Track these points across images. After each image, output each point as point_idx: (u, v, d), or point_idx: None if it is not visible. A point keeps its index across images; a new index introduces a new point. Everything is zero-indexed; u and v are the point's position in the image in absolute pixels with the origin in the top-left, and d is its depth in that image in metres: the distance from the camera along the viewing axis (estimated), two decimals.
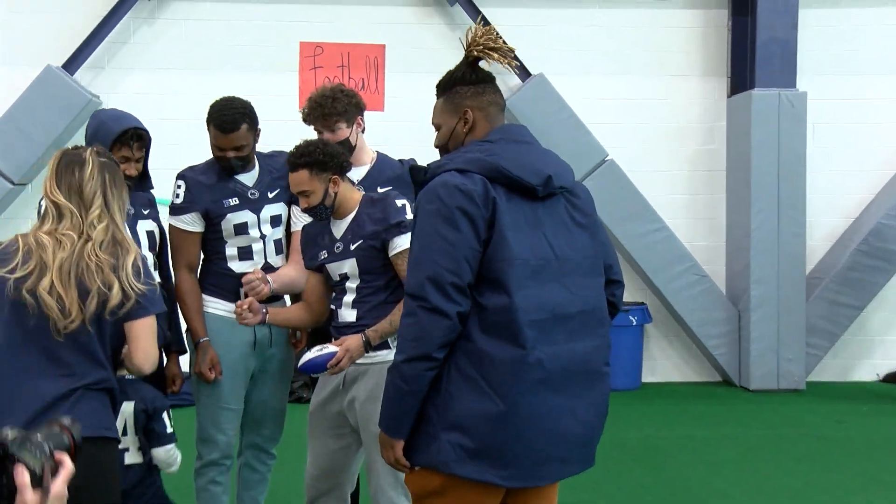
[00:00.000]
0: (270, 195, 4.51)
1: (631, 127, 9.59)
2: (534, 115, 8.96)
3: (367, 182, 4.43)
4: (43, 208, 3.83)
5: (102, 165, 3.29)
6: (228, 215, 4.43)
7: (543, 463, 3.01)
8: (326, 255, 4.05)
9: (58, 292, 3.13)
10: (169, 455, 3.97)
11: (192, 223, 4.45)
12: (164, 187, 5.18)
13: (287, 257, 4.56)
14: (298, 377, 7.68)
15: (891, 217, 9.29)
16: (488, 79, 3.25)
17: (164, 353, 4.22)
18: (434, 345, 2.91)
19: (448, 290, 2.89)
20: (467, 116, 3.18)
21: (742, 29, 9.44)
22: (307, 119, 4.42)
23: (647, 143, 9.63)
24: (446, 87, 3.23)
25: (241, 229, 4.45)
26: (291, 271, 4.40)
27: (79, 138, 5.69)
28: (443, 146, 3.25)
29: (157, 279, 4.00)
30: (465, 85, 3.20)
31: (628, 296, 9.52)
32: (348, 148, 4.35)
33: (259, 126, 4.47)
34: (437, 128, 3.27)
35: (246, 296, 4.24)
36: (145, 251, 4.12)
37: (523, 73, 9.26)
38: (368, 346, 3.91)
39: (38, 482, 1.70)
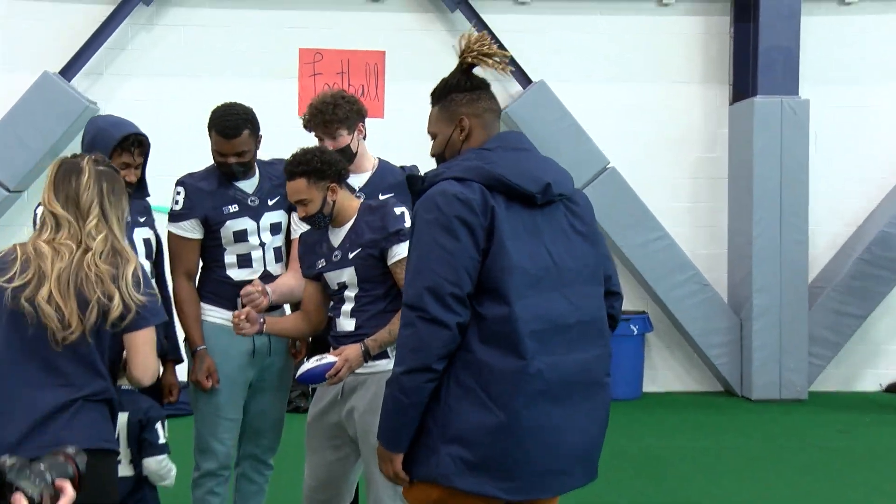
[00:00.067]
0: (270, 202, 4.49)
1: (632, 134, 9.56)
2: (534, 122, 8.96)
3: (369, 189, 4.41)
4: (39, 217, 3.80)
5: (100, 174, 3.27)
6: (228, 222, 4.41)
7: (546, 475, 2.97)
8: (324, 264, 4.03)
9: (56, 302, 3.11)
10: (160, 466, 3.91)
11: (191, 230, 4.43)
12: (161, 195, 5.18)
13: (287, 265, 4.52)
14: (296, 387, 7.63)
15: (894, 225, 9.27)
16: (483, 85, 3.23)
17: (160, 363, 4.17)
18: (433, 356, 2.88)
19: (447, 300, 2.86)
20: (463, 124, 3.16)
21: (744, 36, 9.42)
22: (308, 126, 4.40)
23: (648, 150, 9.59)
24: (441, 95, 3.21)
25: (241, 236, 4.43)
26: (291, 280, 4.36)
27: (75, 145, 5.65)
28: (439, 155, 3.23)
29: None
30: (460, 92, 3.17)
31: (629, 304, 9.50)
32: (349, 155, 4.34)
33: (260, 132, 4.47)
34: (433, 136, 3.25)
35: (244, 305, 4.20)
36: (142, 259, 4.09)
37: (524, 79, 9.24)
38: (367, 356, 3.88)
39: None
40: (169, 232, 4.47)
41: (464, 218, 2.90)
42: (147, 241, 4.28)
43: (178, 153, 7.41)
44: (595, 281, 3.16)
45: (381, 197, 4.28)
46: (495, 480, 2.92)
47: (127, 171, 4.05)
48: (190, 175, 4.52)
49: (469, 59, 3.20)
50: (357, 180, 4.41)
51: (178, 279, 4.47)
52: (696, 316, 9.32)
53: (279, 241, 4.52)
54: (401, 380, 2.92)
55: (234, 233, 4.42)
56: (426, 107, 3.31)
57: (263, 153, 4.59)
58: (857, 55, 9.69)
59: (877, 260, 9.25)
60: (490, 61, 3.22)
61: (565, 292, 3.03)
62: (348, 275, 3.95)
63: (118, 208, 3.28)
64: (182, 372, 4.49)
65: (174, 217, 4.45)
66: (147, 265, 4.15)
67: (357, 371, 3.91)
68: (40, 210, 3.72)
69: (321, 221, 4.00)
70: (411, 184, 3.13)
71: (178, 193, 4.44)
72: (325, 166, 3.93)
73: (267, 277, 4.41)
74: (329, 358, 3.86)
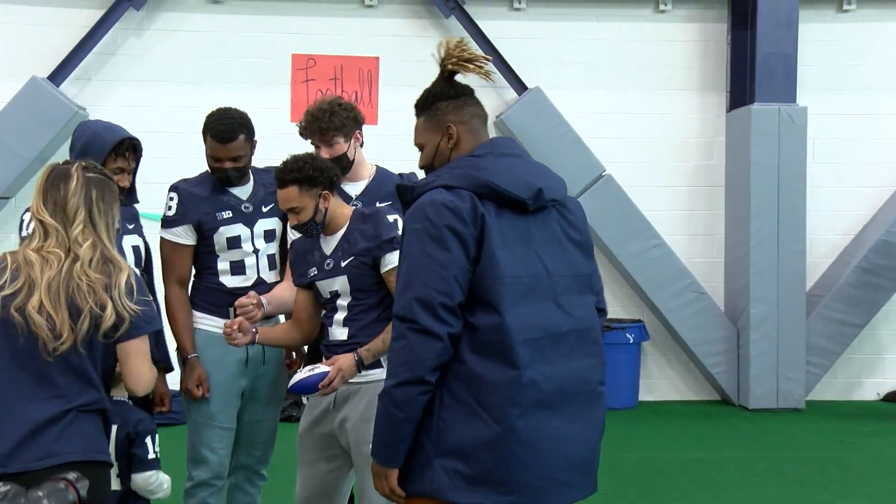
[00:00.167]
0: (264, 209, 4.47)
1: (629, 142, 9.54)
2: (530, 129, 8.95)
3: (366, 198, 4.38)
4: (25, 223, 3.81)
5: (89, 180, 3.23)
6: (221, 228, 4.39)
7: (548, 488, 2.94)
8: (316, 273, 4.00)
9: (47, 311, 3.07)
10: (148, 482, 3.83)
11: (183, 236, 4.41)
12: (151, 202, 5.12)
13: (281, 273, 4.51)
14: (288, 396, 7.55)
15: (892, 234, 9.25)
16: (467, 91, 3.21)
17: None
18: (426, 368, 2.85)
19: (438, 311, 2.84)
20: (451, 131, 3.13)
21: (742, 43, 9.41)
22: (304, 133, 4.38)
23: (645, 158, 9.57)
24: (425, 104, 3.18)
25: (234, 243, 4.41)
26: (286, 291, 4.32)
27: (64, 151, 5.60)
28: (428, 165, 3.20)
29: None
30: (445, 100, 3.15)
31: (625, 313, 9.57)
32: (346, 162, 4.32)
33: (255, 138, 4.46)
34: (421, 148, 3.22)
35: (236, 315, 4.16)
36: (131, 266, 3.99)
37: (519, 86, 9.23)
38: (361, 366, 3.85)
39: None
40: (161, 238, 4.46)
41: (453, 227, 2.87)
42: (136, 249, 4.25)
43: (169, 160, 7.42)
44: (588, 290, 3.14)
45: (379, 206, 4.23)
46: (494, 494, 2.88)
47: (121, 177, 4.04)
48: (184, 181, 4.51)
49: (450, 67, 3.17)
50: (354, 188, 4.39)
51: (170, 286, 4.44)
52: (692, 325, 9.30)
53: (273, 248, 4.50)
54: (393, 393, 2.88)
55: (227, 239, 4.40)
56: None
57: (255, 160, 4.55)
58: (856, 62, 9.68)
59: (875, 268, 9.23)
60: (471, 66, 3.20)
61: (559, 301, 3.01)
62: (341, 283, 3.92)
63: (108, 216, 3.25)
64: (175, 381, 4.43)
65: (167, 223, 4.43)
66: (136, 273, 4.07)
67: (350, 380, 3.87)
68: (27, 216, 3.73)
69: (313, 229, 3.97)
70: (400, 193, 3.11)
71: (172, 199, 4.42)
72: (316, 173, 3.90)
73: (260, 285, 4.40)
74: (322, 368, 3.82)
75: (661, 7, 9.56)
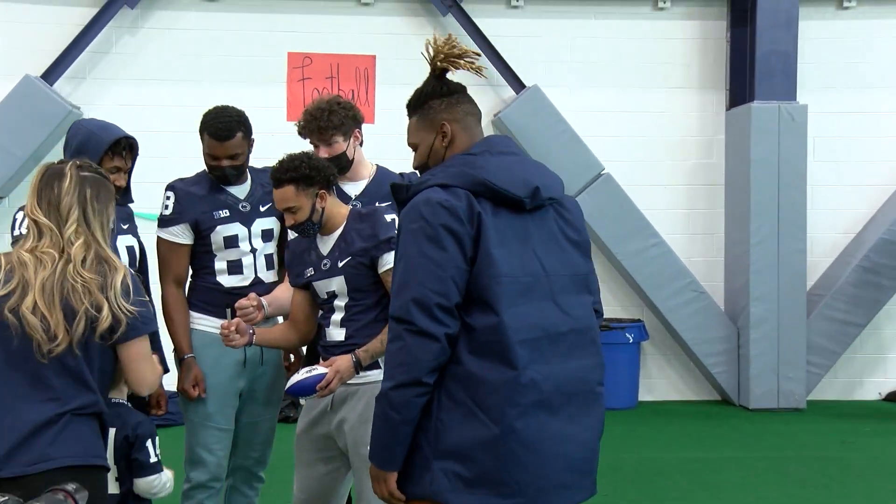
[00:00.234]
0: (262, 209, 4.45)
1: (627, 140, 9.51)
2: (528, 127, 8.93)
3: (366, 197, 4.36)
4: (18, 222, 3.79)
5: (83, 179, 3.21)
6: (218, 227, 4.37)
7: (548, 490, 2.92)
8: (313, 273, 3.97)
9: (42, 313, 3.05)
10: (151, 486, 3.78)
11: (180, 235, 4.39)
12: (145, 201, 5.09)
13: (279, 274, 4.48)
14: (285, 396, 7.52)
15: (893, 232, 9.22)
16: (460, 89, 3.17)
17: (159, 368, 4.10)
18: (423, 369, 2.83)
19: (435, 311, 2.82)
20: (444, 129, 3.10)
21: (741, 40, 9.39)
22: (302, 132, 4.36)
23: (644, 156, 9.55)
24: (417, 104, 3.15)
25: (231, 242, 4.39)
26: (287, 292, 4.28)
27: (58, 151, 5.57)
28: (423, 165, 3.18)
29: None
30: (437, 98, 3.12)
31: (624, 312, 9.56)
32: (345, 162, 4.31)
33: (253, 136, 4.44)
34: (414, 148, 3.20)
35: (233, 316, 4.14)
36: None
37: (517, 84, 9.21)
38: (359, 367, 3.82)
39: None
40: (158, 237, 4.44)
41: (450, 226, 2.85)
42: (130, 249, 4.20)
43: (164, 159, 7.39)
44: (585, 289, 3.11)
45: (380, 205, 4.19)
46: (493, 496, 2.86)
47: (117, 176, 4.00)
48: (180, 180, 4.49)
49: (440, 64, 3.14)
50: (353, 188, 4.37)
51: (167, 286, 4.43)
52: (692, 324, 9.27)
53: (271, 248, 4.49)
54: (390, 396, 2.86)
55: (224, 238, 4.38)
56: None
57: (251, 159, 4.53)
58: (856, 60, 9.65)
59: (876, 267, 9.20)
60: (462, 62, 3.15)
61: (557, 300, 2.99)
62: (338, 284, 3.90)
63: (103, 215, 3.22)
64: (172, 382, 4.39)
65: (164, 222, 4.41)
66: None
67: (347, 382, 3.85)
68: (20, 215, 3.78)
69: (310, 229, 3.94)
70: (395, 192, 3.08)
71: (168, 198, 4.40)
72: (313, 172, 3.88)
73: (258, 284, 4.39)
74: (319, 369, 3.79)
75: (660, 4, 9.53)
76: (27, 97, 8.53)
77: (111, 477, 3.65)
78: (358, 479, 3.93)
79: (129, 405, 3.82)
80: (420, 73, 3.19)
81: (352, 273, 3.87)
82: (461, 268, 2.85)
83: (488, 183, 2.90)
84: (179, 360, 4.39)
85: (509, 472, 2.85)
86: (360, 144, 4.42)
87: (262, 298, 4.23)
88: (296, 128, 4.43)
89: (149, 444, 3.72)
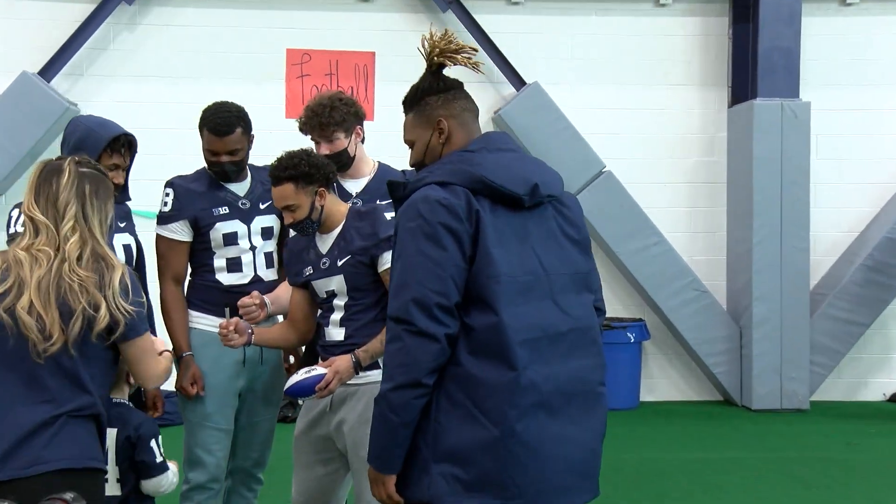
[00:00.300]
0: (262, 206, 4.44)
1: (629, 138, 9.48)
2: (528, 125, 8.91)
3: (367, 195, 4.35)
4: (13, 219, 3.79)
5: (82, 175, 3.19)
6: (217, 224, 4.36)
7: (548, 492, 2.90)
8: (312, 272, 3.96)
9: (37, 312, 3.03)
10: (160, 486, 3.74)
11: (179, 232, 4.38)
12: (143, 199, 5.06)
13: (279, 272, 4.47)
14: (284, 397, 7.50)
15: None
16: (456, 85, 3.15)
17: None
18: (423, 370, 2.81)
19: (434, 311, 2.80)
20: (441, 126, 3.09)
21: (743, 37, 9.36)
22: (304, 129, 4.35)
23: (645, 154, 9.51)
24: (413, 100, 3.14)
25: (231, 239, 4.38)
26: (290, 291, 4.26)
27: (55, 148, 5.55)
28: (419, 162, 3.16)
29: None
30: (434, 94, 3.10)
31: (625, 311, 9.55)
32: (347, 159, 4.31)
33: (253, 132, 4.43)
34: (411, 145, 3.18)
35: (232, 315, 4.12)
36: None
37: (517, 81, 9.17)
38: (359, 367, 3.81)
39: None
40: (157, 235, 4.44)
41: (448, 225, 2.84)
42: (127, 248, 4.18)
43: (162, 156, 7.36)
44: (586, 288, 3.10)
45: (380, 203, 4.17)
46: (493, 500, 2.84)
47: (115, 173, 3.98)
48: (180, 177, 4.48)
49: (437, 59, 3.12)
50: (355, 185, 4.36)
51: (166, 283, 4.42)
52: (694, 324, 9.24)
53: (270, 246, 4.47)
54: (389, 397, 2.84)
55: (223, 235, 4.37)
56: None
57: (250, 157, 4.51)
58: (860, 57, 9.62)
59: (880, 266, 9.16)
60: (459, 58, 3.13)
61: (557, 300, 2.97)
62: (337, 283, 3.88)
63: (101, 212, 3.20)
64: (170, 381, 4.26)
65: (162, 219, 4.40)
66: None
67: (347, 382, 3.83)
68: (15, 212, 3.75)
69: (309, 228, 3.93)
70: (392, 190, 3.06)
71: (168, 195, 4.40)
72: (312, 170, 3.86)
73: (257, 282, 4.38)
74: (318, 370, 3.78)
75: (661, 1, 9.50)
76: (24, 94, 8.49)
77: (113, 478, 3.64)
78: (357, 482, 3.91)
79: (131, 405, 3.79)
80: (420, 70, 3.19)
81: (351, 272, 3.85)
82: (460, 267, 2.83)
83: (486, 180, 2.88)
84: (178, 359, 4.35)
85: (509, 475, 2.82)
86: (362, 141, 4.41)
87: (264, 297, 4.22)
88: (295, 125, 4.43)
89: (153, 444, 3.68)
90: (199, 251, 4.41)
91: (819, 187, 9.31)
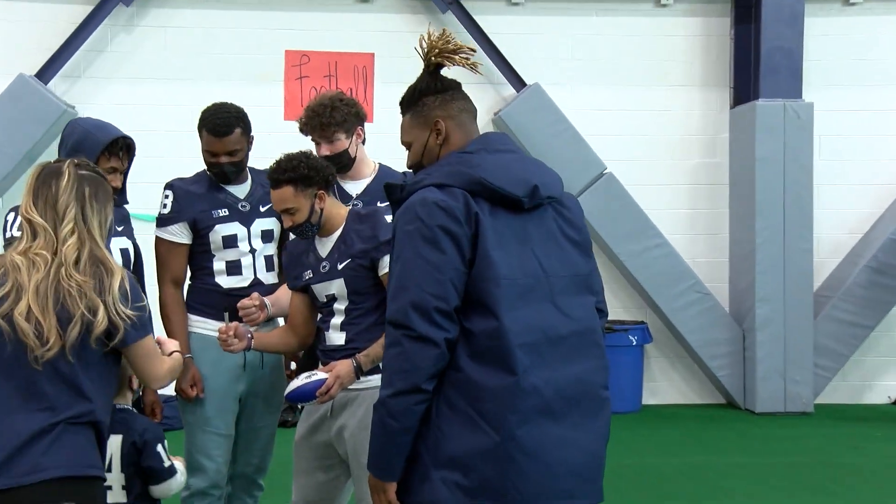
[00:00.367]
0: (262, 209, 4.42)
1: (630, 139, 9.46)
2: (529, 126, 8.89)
3: (367, 197, 4.32)
4: (9, 223, 3.77)
5: (81, 178, 3.17)
6: (217, 226, 4.35)
7: (551, 498, 2.86)
8: (312, 276, 3.93)
9: (35, 317, 2.99)
10: (169, 490, 3.71)
11: (178, 234, 4.37)
12: (141, 202, 5.06)
13: (279, 275, 4.44)
14: (284, 402, 7.48)
15: None
16: (454, 86, 3.12)
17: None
18: (423, 376, 2.78)
19: (434, 315, 2.77)
20: (439, 127, 3.06)
21: (745, 37, 9.33)
22: (304, 129, 4.33)
23: (646, 155, 9.49)
24: (411, 101, 3.12)
25: (230, 242, 4.36)
26: (289, 295, 4.24)
27: (52, 151, 5.52)
28: (417, 164, 3.14)
29: None
30: (431, 95, 3.08)
31: (627, 314, 9.51)
32: (348, 160, 4.29)
33: (252, 133, 4.42)
34: (408, 146, 3.16)
35: (232, 319, 4.08)
36: None
37: (518, 82, 9.15)
38: (360, 372, 3.78)
39: None
40: (156, 237, 4.42)
41: (447, 227, 2.81)
42: (125, 252, 4.14)
43: (160, 159, 7.32)
44: (587, 290, 3.06)
45: (381, 205, 4.14)
46: None
47: (114, 177, 3.97)
48: (179, 179, 4.47)
49: (434, 59, 3.09)
50: (355, 187, 4.34)
51: (165, 286, 4.40)
52: (696, 326, 9.21)
53: (271, 249, 4.46)
54: (388, 403, 2.82)
55: (223, 237, 4.35)
56: None
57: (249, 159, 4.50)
58: (863, 57, 9.60)
59: (884, 268, 9.13)
60: (457, 58, 3.10)
61: (557, 302, 2.94)
62: (337, 287, 3.86)
63: (101, 215, 3.17)
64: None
65: (162, 221, 4.39)
66: None
67: (348, 387, 3.80)
68: (11, 216, 3.74)
69: (309, 231, 3.90)
70: (389, 192, 3.03)
71: (167, 197, 4.39)
72: (312, 172, 3.83)
73: (257, 286, 4.36)
74: (319, 375, 3.74)
75: (662, 1, 9.48)
76: (21, 96, 8.46)
77: (118, 485, 3.61)
78: (358, 488, 3.88)
79: (135, 410, 3.76)
80: (419, 71, 3.15)
81: (351, 275, 3.83)
82: (459, 270, 2.80)
83: (485, 182, 2.85)
84: None
85: (511, 481, 2.79)
86: (363, 142, 4.39)
87: (264, 298, 4.22)
88: (294, 127, 4.41)
89: (159, 448, 3.64)
90: (199, 254, 4.40)
91: (822, 188, 9.28)
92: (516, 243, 2.90)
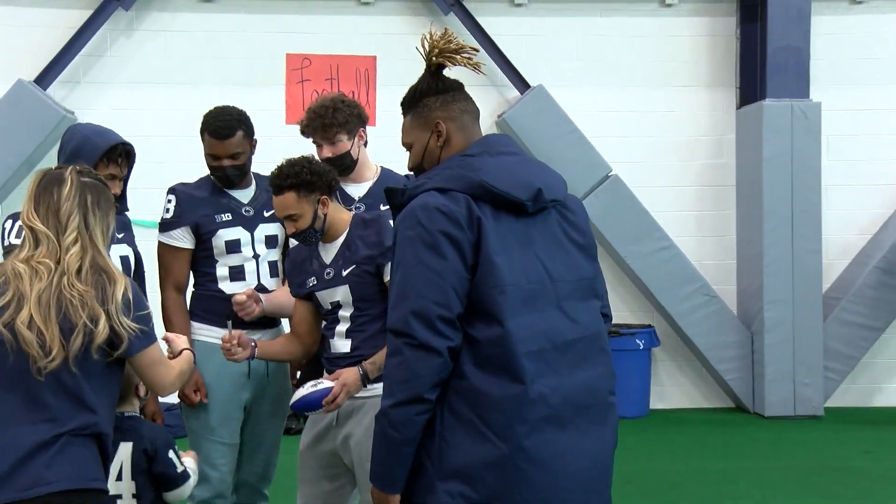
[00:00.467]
0: (266, 214, 4.40)
1: (635, 140, 9.40)
2: (533, 128, 8.85)
3: (370, 199, 4.31)
4: (7, 230, 3.75)
5: (84, 185, 3.15)
6: (220, 231, 4.34)
7: None
8: (316, 283, 3.91)
9: (38, 327, 2.97)
10: (183, 494, 3.69)
11: (181, 238, 4.37)
12: (141, 208, 5.10)
13: (283, 281, 4.42)
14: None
15: None
16: (456, 86, 3.08)
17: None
18: (425, 385, 2.74)
19: (436, 323, 2.72)
20: (440, 128, 3.02)
21: (751, 37, 9.28)
22: (305, 131, 4.32)
23: (652, 157, 9.44)
24: (412, 102, 3.08)
25: (233, 247, 4.36)
26: (286, 294, 4.22)
27: (52, 157, 5.47)
28: (417, 166, 3.11)
29: None
30: (432, 96, 3.04)
31: (634, 318, 9.48)
32: (350, 162, 4.28)
33: (255, 137, 4.42)
34: (409, 147, 3.12)
35: (235, 326, 4.04)
36: None
37: (521, 84, 9.11)
38: (366, 380, 3.76)
39: None
40: (159, 242, 4.42)
41: (449, 233, 2.77)
42: (125, 260, 4.09)
43: (160, 164, 7.29)
44: (592, 295, 3.03)
45: (383, 208, 4.11)
46: None
47: (113, 183, 3.91)
48: (182, 183, 4.47)
49: (436, 59, 3.05)
50: (357, 190, 4.32)
51: (168, 291, 4.41)
52: (704, 329, 9.16)
53: (275, 254, 4.45)
54: (390, 414, 2.77)
55: (226, 242, 4.34)
56: None
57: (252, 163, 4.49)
58: (871, 56, 9.53)
59: (894, 269, 9.07)
60: (459, 58, 3.06)
61: (563, 307, 2.90)
62: (342, 293, 3.83)
63: (103, 223, 3.17)
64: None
65: (164, 226, 4.39)
66: None
67: (354, 395, 3.79)
68: (9, 224, 3.72)
69: (312, 237, 3.87)
70: (390, 197, 2.98)
71: (170, 201, 4.39)
72: (314, 178, 3.80)
73: (261, 292, 4.32)
74: (325, 383, 3.73)
75: (667, 1, 9.43)
76: (20, 102, 8.42)
77: (129, 493, 3.59)
78: (364, 497, 3.83)
79: (142, 417, 3.74)
80: (421, 74, 3.06)
81: (357, 282, 3.80)
82: (462, 276, 2.75)
83: (488, 186, 2.81)
84: None
85: (519, 492, 2.75)
86: (365, 145, 4.37)
87: (259, 294, 4.21)
88: (295, 131, 4.38)
89: (171, 454, 3.62)
90: (201, 259, 4.38)
91: (830, 189, 9.22)
92: (520, 248, 2.85)
